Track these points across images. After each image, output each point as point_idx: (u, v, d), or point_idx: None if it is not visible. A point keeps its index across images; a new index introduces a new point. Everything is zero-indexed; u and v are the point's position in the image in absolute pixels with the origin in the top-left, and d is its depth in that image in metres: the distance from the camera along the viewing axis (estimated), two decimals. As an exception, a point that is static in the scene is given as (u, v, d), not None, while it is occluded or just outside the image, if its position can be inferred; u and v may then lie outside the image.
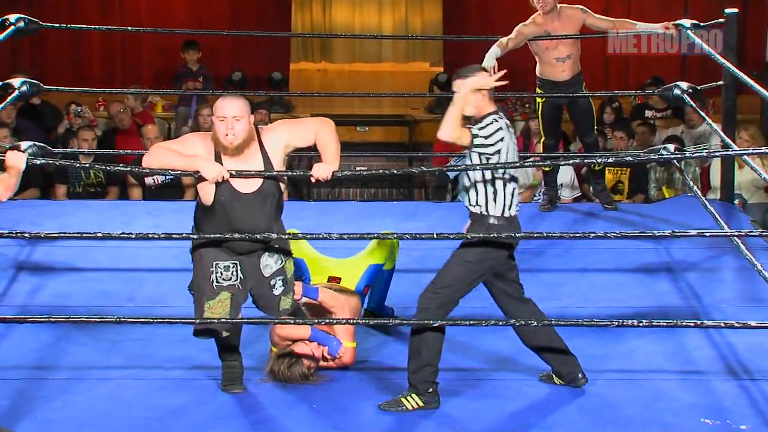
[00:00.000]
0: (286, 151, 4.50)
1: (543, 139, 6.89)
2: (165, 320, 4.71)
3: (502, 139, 4.46)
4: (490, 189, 4.50)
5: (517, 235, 4.52)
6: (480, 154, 4.45)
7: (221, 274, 4.46)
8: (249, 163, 4.40)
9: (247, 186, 4.40)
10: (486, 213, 4.51)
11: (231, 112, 4.37)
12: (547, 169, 7.02)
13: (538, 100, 6.81)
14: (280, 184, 4.48)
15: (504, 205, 4.51)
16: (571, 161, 7.52)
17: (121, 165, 7.01)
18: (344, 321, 4.77)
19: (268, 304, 4.59)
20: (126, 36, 11.65)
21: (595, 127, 7.03)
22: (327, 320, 4.70)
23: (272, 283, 4.55)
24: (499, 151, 4.45)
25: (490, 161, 4.45)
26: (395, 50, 12.83)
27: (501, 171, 4.48)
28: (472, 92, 4.43)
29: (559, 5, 6.64)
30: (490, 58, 6.49)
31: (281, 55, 12.12)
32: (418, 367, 4.44)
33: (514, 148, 4.53)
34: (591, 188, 7.52)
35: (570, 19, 6.63)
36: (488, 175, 4.49)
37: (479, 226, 4.52)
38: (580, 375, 4.63)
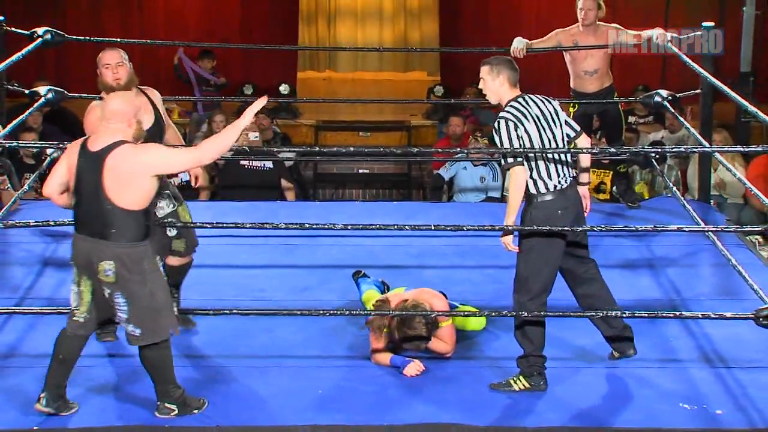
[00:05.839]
0: None
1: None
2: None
3: (520, 137, 4.37)
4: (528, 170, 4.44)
5: (512, 226, 4.41)
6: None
7: None
8: None
9: None
10: (531, 192, 4.46)
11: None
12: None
13: (570, 109, 6.64)
14: None
15: (543, 180, 4.43)
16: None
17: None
18: (439, 313, 4.68)
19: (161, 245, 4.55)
20: (144, 47, 11.64)
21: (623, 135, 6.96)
22: (414, 312, 4.58)
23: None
24: (521, 146, 4.36)
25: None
26: (395, 61, 12.82)
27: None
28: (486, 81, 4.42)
29: (598, 22, 6.48)
30: (520, 41, 6.39)
31: (289, 65, 12.13)
32: (524, 356, 4.50)
33: (544, 125, 4.41)
34: (614, 188, 7.50)
35: (604, 37, 6.43)
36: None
37: (527, 206, 4.49)
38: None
